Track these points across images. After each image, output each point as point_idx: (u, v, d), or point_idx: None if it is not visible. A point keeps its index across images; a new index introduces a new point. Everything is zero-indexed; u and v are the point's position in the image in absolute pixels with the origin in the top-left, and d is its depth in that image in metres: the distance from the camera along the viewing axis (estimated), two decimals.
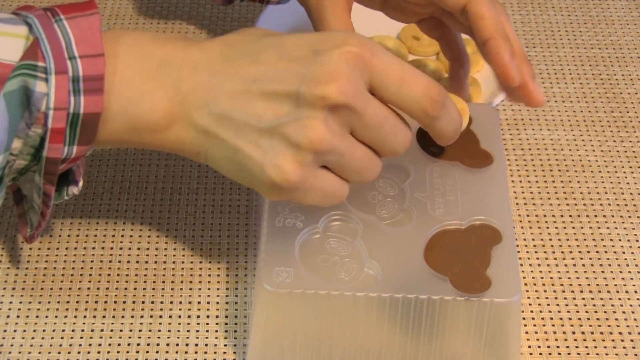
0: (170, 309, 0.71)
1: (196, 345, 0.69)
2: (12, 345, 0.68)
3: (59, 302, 0.71)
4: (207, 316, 0.70)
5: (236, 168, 0.61)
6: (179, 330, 0.70)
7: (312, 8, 0.73)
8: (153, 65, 0.61)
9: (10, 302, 0.71)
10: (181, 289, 0.72)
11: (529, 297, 0.72)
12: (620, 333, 0.71)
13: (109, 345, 0.68)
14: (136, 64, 0.61)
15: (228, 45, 0.62)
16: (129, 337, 0.69)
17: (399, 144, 0.61)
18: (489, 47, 0.68)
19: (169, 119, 0.62)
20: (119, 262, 0.74)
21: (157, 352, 0.68)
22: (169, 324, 0.70)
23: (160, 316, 0.70)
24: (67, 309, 0.70)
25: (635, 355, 0.69)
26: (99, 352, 0.68)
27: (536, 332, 0.70)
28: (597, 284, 0.74)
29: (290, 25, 0.90)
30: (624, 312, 0.72)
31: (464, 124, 0.70)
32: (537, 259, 0.75)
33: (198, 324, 0.70)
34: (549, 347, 0.70)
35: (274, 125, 0.59)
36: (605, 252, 0.76)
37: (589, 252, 0.76)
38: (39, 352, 0.68)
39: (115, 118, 0.61)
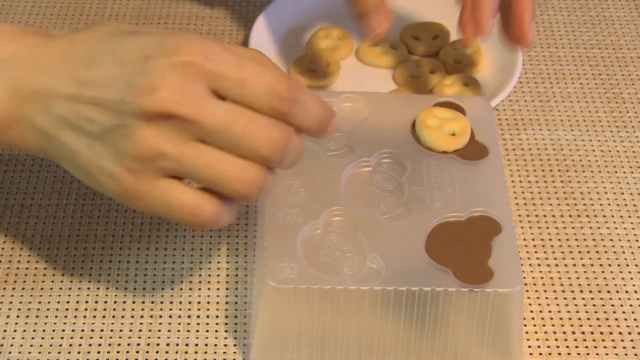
0: (170, 309, 0.71)
1: (196, 345, 0.69)
2: (12, 345, 0.68)
3: (59, 302, 0.71)
4: (207, 316, 0.71)
5: (80, 172, 0.61)
6: (179, 330, 0.70)
7: None
8: None
9: (10, 302, 0.71)
10: (181, 289, 0.72)
11: (529, 297, 0.72)
12: (620, 333, 0.71)
13: (109, 345, 0.68)
14: None
15: (71, 46, 0.61)
16: (129, 337, 0.69)
17: (263, 146, 0.58)
18: (514, 3, 0.73)
19: (10, 119, 0.61)
20: (119, 262, 0.74)
21: (157, 352, 0.68)
22: (169, 324, 0.70)
23: (160, 316, 0.70)
24: (67, 309, 0.70)
25: (635, 355, 0.69)
26: (99, 352, 0.68)
27: (536, 332, 0.70)
28: (597, 284, 0.74)
29: (291, 25, 0.90)
30: (624, 312, 0.72)
31: (464, 141, 0.71)
32: (537, 259, 0.75)
33: (198, 324, 0.70)
34: (549, 347, 0.70)
35: (103, 131, 0.59)
36: (605, 252, 0.76)
37: (589, 252, 0.76)
38: (39, 352, 0.68)
39: None
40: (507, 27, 0.75)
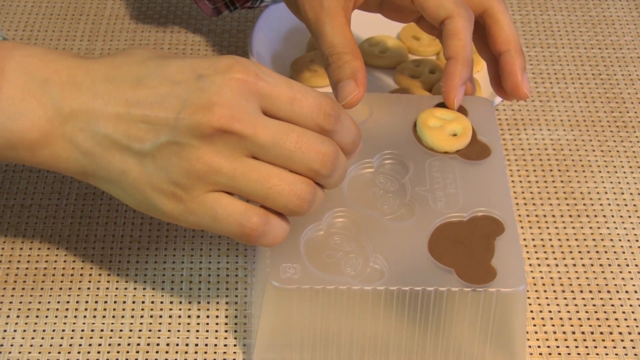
0: (170, 309, 0.71)
1: (196, 345, 0.69)
2: (12, 345, 0.68)
3: (59, 302, 0.71)
4: (207, 316, 0.71)
5: (128, 191, 0.62)
6: (179, 330, 0.70)
7: (312, 24, 0.73)
8: (36, 84, 0.61)
9: (10, 302, 0.71)
10: (181, 288, 0.72)
11: (529, 297, 0.72)
12: (620, 333, 0.71)
13: (109, 345, 0.68)
14: (20, 81, 0.61)
15: (113, 68, 0.62)
16: (129, 337, 0.69)
17: (315, 159, 0.60)
18: (447, 65, 0.70)
19: (46, 138, 0.61)
20: (119, 262, 0.74)
21: (157, 352, 0.68)
22: (169, 324, 0.70)
23: (160, 316, 0.70)
24: (67, 309, 0.70)
25: (635, 355, 0.69)
26: (99, 352, 0.68)
27: (536, 332, 0.70)
28: (597, 284, 0.74)
29: (291, 25, 0.90)
30: (624, 312, 0.72)
31: (466, 141, 0.71)
32: (537, 259, 0.75)
33: (198, 324, 0.70)
34: (549, 347, 0.70)
35: (153, 149, 0.60)
36: (605, 252, 0.76)
37: (589, 252, 0.76)
38: (39, 352, 0.68)
39: None
40: (500, 82, 0.73)
